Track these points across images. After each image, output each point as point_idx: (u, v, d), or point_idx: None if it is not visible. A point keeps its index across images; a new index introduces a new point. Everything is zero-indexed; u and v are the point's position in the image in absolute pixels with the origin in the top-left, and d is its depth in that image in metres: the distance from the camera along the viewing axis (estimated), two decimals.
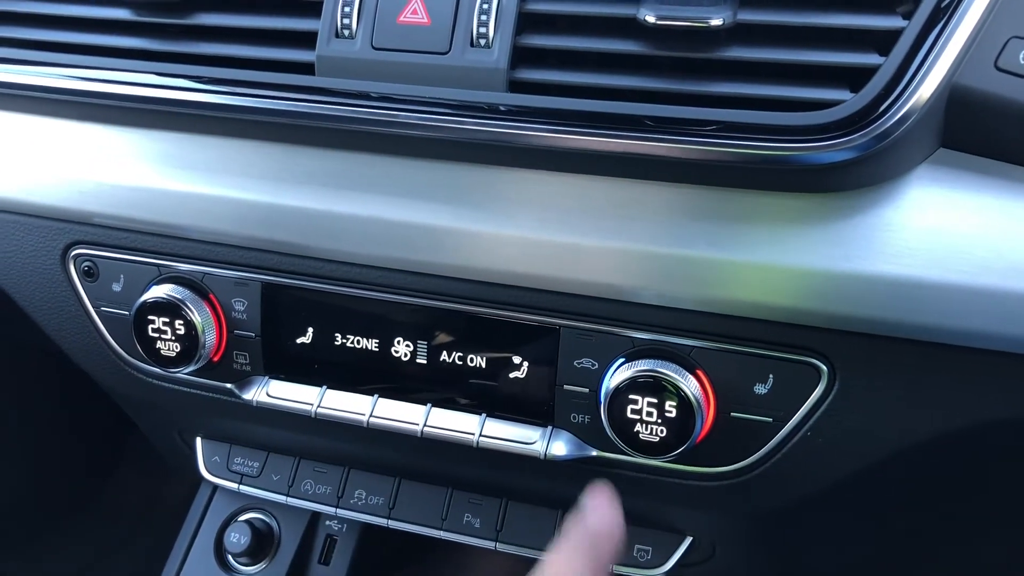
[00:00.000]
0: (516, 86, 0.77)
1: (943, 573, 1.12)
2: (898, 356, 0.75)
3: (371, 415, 0.88)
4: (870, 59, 0.71)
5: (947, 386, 0.76)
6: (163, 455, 1.22)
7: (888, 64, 0.70)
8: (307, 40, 0.81)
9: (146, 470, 1.85)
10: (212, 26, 0.85)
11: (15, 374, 1.57)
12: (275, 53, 0.83)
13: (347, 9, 0.79)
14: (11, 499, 1.61)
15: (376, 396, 0.89)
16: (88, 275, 0.94)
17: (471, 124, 0.77)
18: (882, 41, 0.71)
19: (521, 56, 0.78)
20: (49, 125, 0.92)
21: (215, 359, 0.91)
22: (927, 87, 0.70)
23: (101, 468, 1.82)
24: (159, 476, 1.85)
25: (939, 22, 0.70)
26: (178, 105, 0.84)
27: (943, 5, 0.70)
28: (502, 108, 0.77)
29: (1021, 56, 0.70)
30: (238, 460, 1.09)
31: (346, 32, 0.80)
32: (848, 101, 0.71)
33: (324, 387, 0.90)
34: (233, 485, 1.08)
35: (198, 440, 1.10)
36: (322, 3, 0.80)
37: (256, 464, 1.08)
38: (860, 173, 0.73)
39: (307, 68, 0.82)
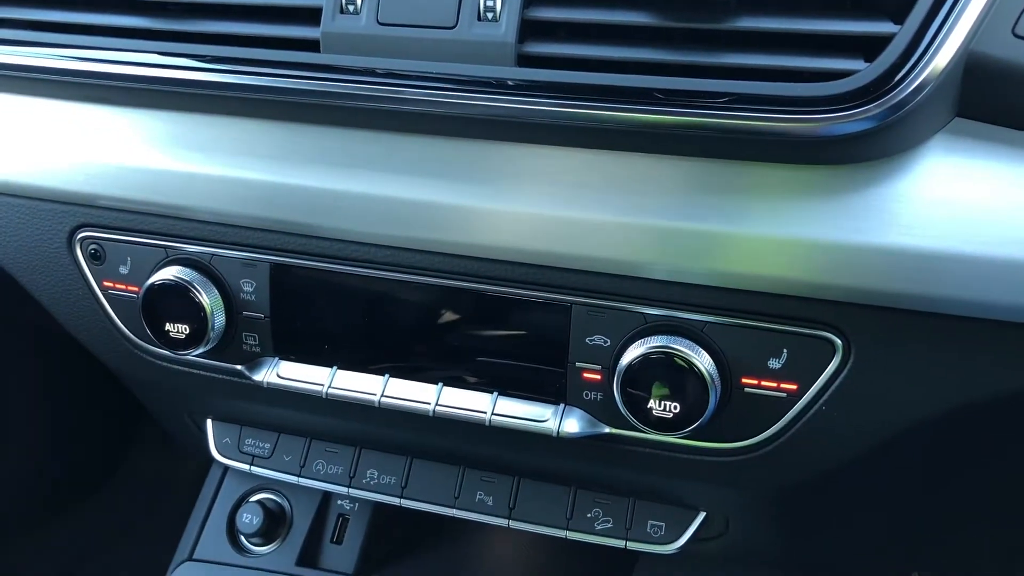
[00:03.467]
0: (525, 60, 0.76)
1: (959, 550, 1.12)
2: (913, 329, 0.74)
3: (382, 395, 0.87)
4: (884, 27, 0.70)
5: (963, 358, 0.75)
6: (174, 437, 1.22)
7: (903, 33, 0.69)
8: (312, 16, 0.80)
9: (156, 453, 1.86)
10: (216, 4, 0.84)
11: (25, 358, 1.58)
12: (280, 30, 0.81)
13: None
14: (23, 481, 1.61)
15: (387, 376, 0.88)
16: (95, 258, 0.93)
17: (479, 100, 0.76)
18: (896, 9, 0.70)
19: (529, 29, 0.76)
20: (53, 107, 0.91)
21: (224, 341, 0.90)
22: (943, 55, 0.68)
23: (112, 451, 1.83)
24: (169, 459, 1.86)
25: None
26: (183, 85, 0.83)
27: None
28: (511, 83, 0.75)
29: None
30: (249, 441, 1.08)
31: (351, 7, 0.78)
32: (862, 71, 0.70)
33: (335, 367, 0.89)
34: (244, 466, 1.08)
35: (208, 422, 1.09)
36: None
37: (267, 445, 1.08)
38: (874, 144, 0.72)
39: (312, 45, 0.80)
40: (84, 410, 1.72)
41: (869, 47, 0.70)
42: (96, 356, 1.04)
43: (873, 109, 0.69)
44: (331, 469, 1.05)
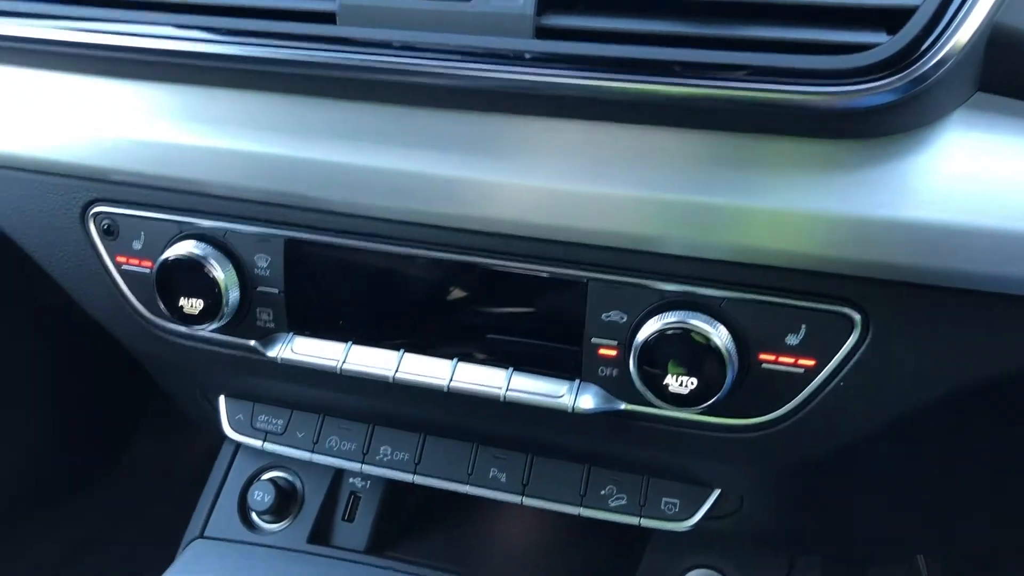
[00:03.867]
0: (543, 32, 0.75)
1: (979, 528, 1.12)
2: (933, 304, 0.73)
3: (397, 370, 0.87)
4: (907, 0, 0.69)
5: (983, 334, 0.74)
6: (185, 415, 1.22)
7: (926, 5, 0.68)
8: None
9: (165, 435, 1.86)
10: None
11: (34, 338, 1.58)
12: (296, 3, 0.81)
13: None
14: (29, 463, 1.62)
15: (402, 351, 0.88)
16: (108, 233, 0.93)
17: (497, 72, 0.75)
18: None
19: (548, 1, 0.76)
20: (66, 81, 0.91)
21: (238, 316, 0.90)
22: (967, 28, 0.68)
23: (119, 432, 1.83)
24: (177, 443, 1.86)
25: None
26: (198, 58, 0.82)
27: None
28: (528, 55, 0.75)
29: None
30: (262, 418, 1.08)
31: None
32: (885, 44, 0.69)
33: (349, 343, 0.89)
34: (257, 443, 1.08)
35: (221, 398, 1.09)
36: None
37: (280, 422, 1.07)
38: (895, 118, 0.71)
39: (328, 17, 0.80)
40: (90, 393, 1.72)
41: (891, 19, 0.69)
42: (107, 336, 1.03)
43: (896, 82, 0.68)
44: (344, 446, 1.05)
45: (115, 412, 1.82)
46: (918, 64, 0.68)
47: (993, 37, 0.69)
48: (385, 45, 0.78)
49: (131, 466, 1.83)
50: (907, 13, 0.69)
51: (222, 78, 0.85)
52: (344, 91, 0.82)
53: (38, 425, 1.62)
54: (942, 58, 0.68)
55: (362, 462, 1.04)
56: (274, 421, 1.08)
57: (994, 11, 0.68)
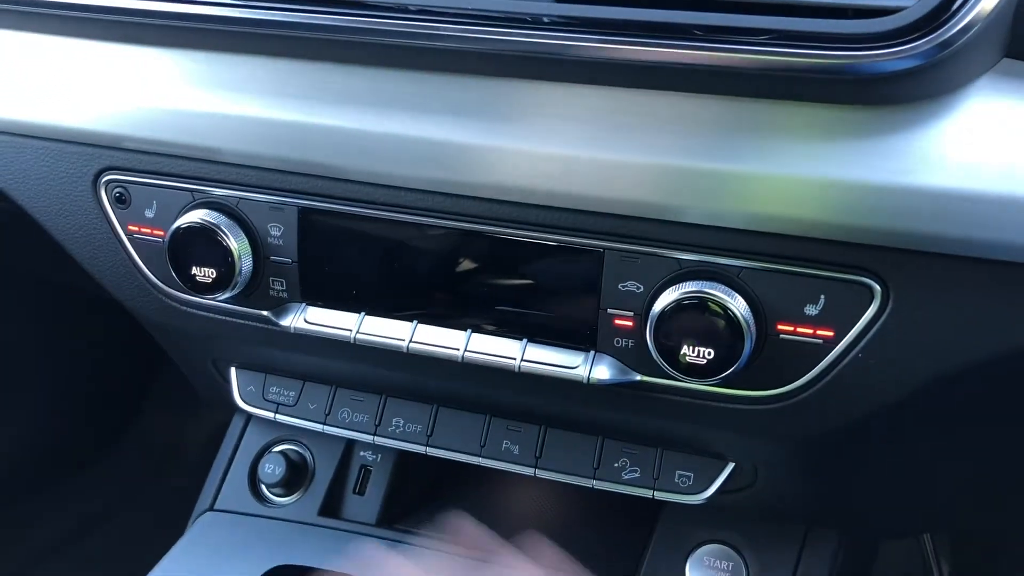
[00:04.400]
0: None
1: (995, 505, 1.11)
2: (954, 274, 0.72)
3: (411, 340, 0.87)
4: None
5: (1005, 304, 0.73)
6: (195, 388, 1.22)
7: None
8: None
9: (175, 409, 1.87)
10: None
11: (40, 313, 1.58)
12: None
13: None
14: (37, 438, 1.62)
15: (415, 322, 0.87)
16: (120, 201, 0.92)
17: (515, 36, 0.74)
18: None
19: None
20: (75, 46, 0.90)
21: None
22: None
23: (127, 407, 1.84)
24: (188, 415, 1.87)
25: None
26: (211, 21, 0.81)
27: None
28: (546, 19, 0.74)
29: None
30: (273, 389, 1.08)
31: None
32: (910, 7, 0.68)
33: (363, 313, 0.89)
34: (269, 414, 1.08)
35: (232, 370, 1.09)
36: None
37: (292, 393, 1.07)
38: (920, 84, 0.70)
39: None
40: (98, 369, 1.73)
41: None
42: (119, 305, 1.03)
43: (922, 46, 0.67)
44: (356, 417, 1.05)
45: (124, 387, 1.82)
46: (944, 28, 0.67)
47: (1021, 2, 0.68)
48: (401, 10, 0.77)
49: (141, 441, 1.84)
50: None
51: (236, 44, 0.84)
52: (359, 57, 0.81)
53: (45, 400, 1.63)
54: (968, 23, 0.67)
55: (374, 434, 1.04)
56: (286, 393, 1.08)
57: None
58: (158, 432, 1.87)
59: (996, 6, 0.67)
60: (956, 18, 0.67)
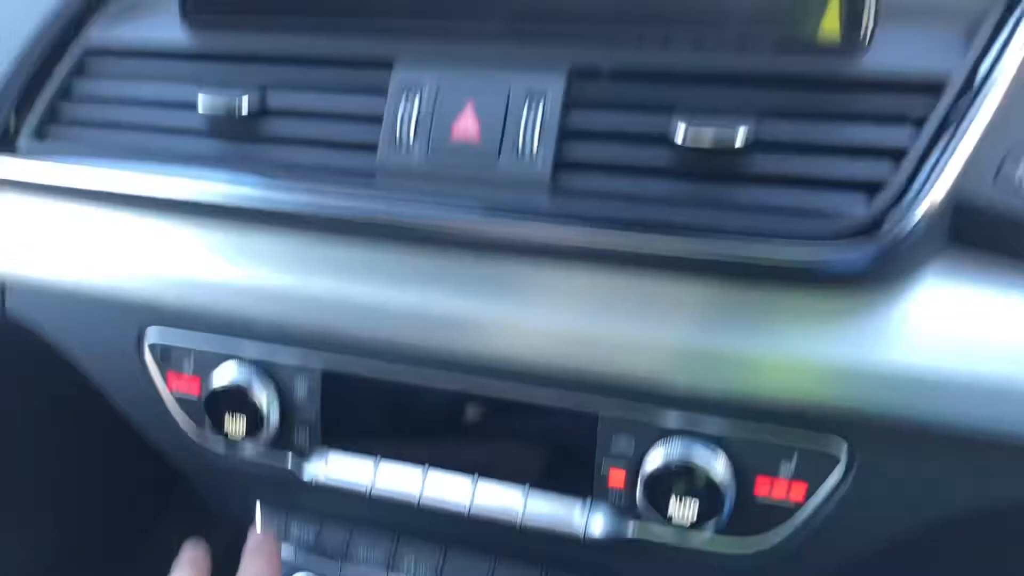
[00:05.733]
0: (559, 192, 0.84)
1: None
2: (917, 442, 0.80)
3: (421, 496, 0.96)
4: (883, 170, 0.77)
5: (962, 473, 0.81)
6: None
7: (898, 176, 0.77)
8: (368, 149, 0.89)
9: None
10: (286, 136, 0.93)
11: (66, 434, 1.63)
12: (340, 161, 0.91)
13: (404, 127, 0.87)
14: (53, 554, 1.65)
15: (426, 466, 0.96)
16: (161, 359, 1.01)
17: (516, 226, 0.84)
18: (894, 152, 0.78)
19: (562, 165, 0.85)
20: (120, 219, 0.99)
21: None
22: (936, 194, 0.76)
23: (143, 522, 1.87)
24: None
25: (945, 135, 0.77)
26: (248, 210, 0.91)
27: (949, 120, 0.77)
28: (545, 212, 0.84)
29: (1016, 170, 0.76)
30: (295, 526, 1.16)
31: (403, 150, 0.88)
32: (862, 212, 0.77)
33: (377, 459, 0.98)
34: (289, 550, 1.15)
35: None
36: (382, 119, 0.89)
37: (313, 529, 1.15)
38: (877, 271, 0.78)
39: (368, 174, 0.89)
40: (115, 482, 1.76)
41: (870, 186, 0.78)
42: (159, 451, 1.12)
43: (877, 241, 0.76)
44: (371, 554, 1.12)
45: (140, 498, 1.85)
46: (893, 228, 0.76)
47: (958, 202, 0.77)
48: (417, 201, 0.87)
49: (158, 553, 1.85)
50: (882, 184, 0.77)
51: (269, 223, 0.93)
52: (378, 237, 0.90)
53: (61, 513, 1.66)
54: (917, 220, 0.76)
55: (388, 572, 1.11)
56: (307, 528, 1.15)
57: (955, 186, 0.76)
58: (175, 544, 1.89)
59: (938, 205, 0.76)
60: (904, 220, 0.76)
